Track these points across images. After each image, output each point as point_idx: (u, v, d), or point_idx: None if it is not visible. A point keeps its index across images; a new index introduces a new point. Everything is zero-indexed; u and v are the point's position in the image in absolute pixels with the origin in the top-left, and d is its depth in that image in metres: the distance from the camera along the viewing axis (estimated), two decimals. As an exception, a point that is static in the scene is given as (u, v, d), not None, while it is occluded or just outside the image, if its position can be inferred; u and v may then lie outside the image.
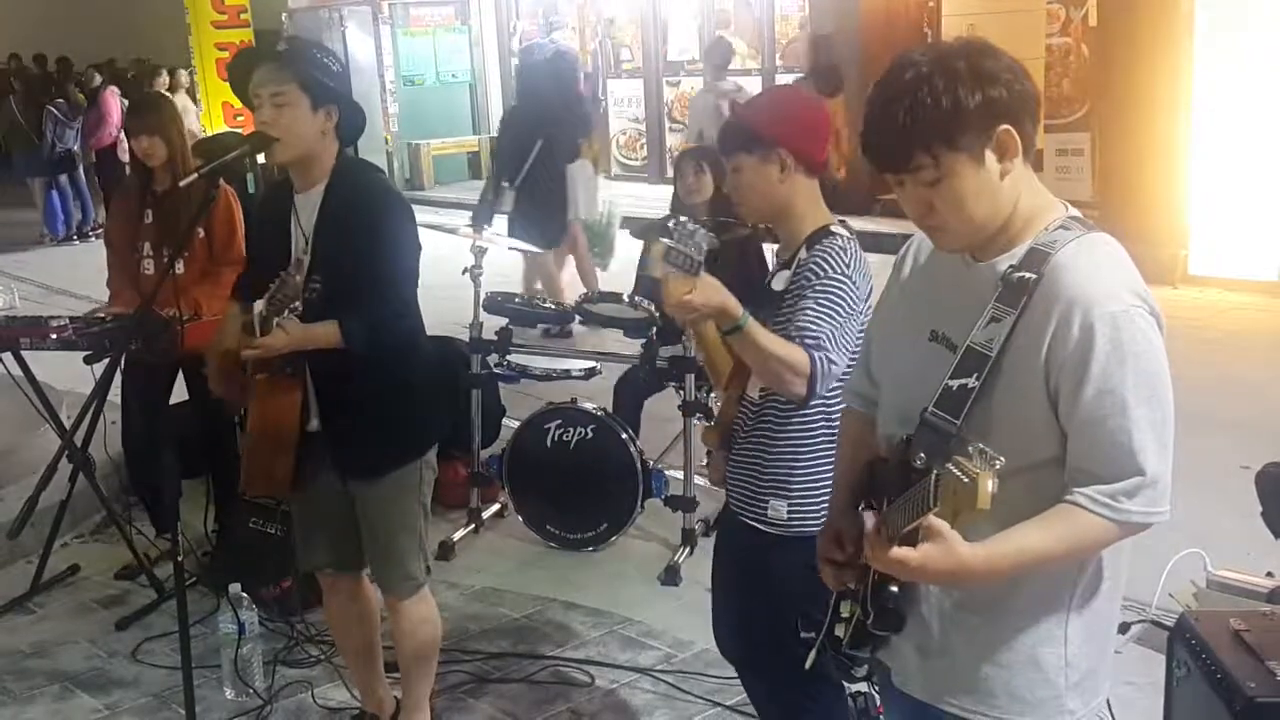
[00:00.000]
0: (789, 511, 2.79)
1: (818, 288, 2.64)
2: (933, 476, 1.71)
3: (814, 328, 2.58)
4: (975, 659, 1.98)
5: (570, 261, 8.51)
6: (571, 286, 8.18)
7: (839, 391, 2.57)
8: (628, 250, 8.84)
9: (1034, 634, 1.95)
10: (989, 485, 1.62)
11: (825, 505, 2.71)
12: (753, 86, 11.34)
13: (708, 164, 5.06)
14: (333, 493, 3.30)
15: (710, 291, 2.47)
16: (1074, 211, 1.94)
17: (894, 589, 1.96)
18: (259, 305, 3.03)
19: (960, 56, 1.84)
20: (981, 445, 1.66)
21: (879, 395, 2.15)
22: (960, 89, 1.80)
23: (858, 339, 2.59)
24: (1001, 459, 1.63)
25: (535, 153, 7.90)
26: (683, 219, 2.51)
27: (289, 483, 3.27)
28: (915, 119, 1.81)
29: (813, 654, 2.16)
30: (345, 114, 3.14)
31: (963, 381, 1.87)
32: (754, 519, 2.86)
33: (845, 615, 2.07)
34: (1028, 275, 1.85)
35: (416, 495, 3.33)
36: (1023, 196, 1.90)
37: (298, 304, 3.02)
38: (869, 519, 1.89)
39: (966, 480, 1.63)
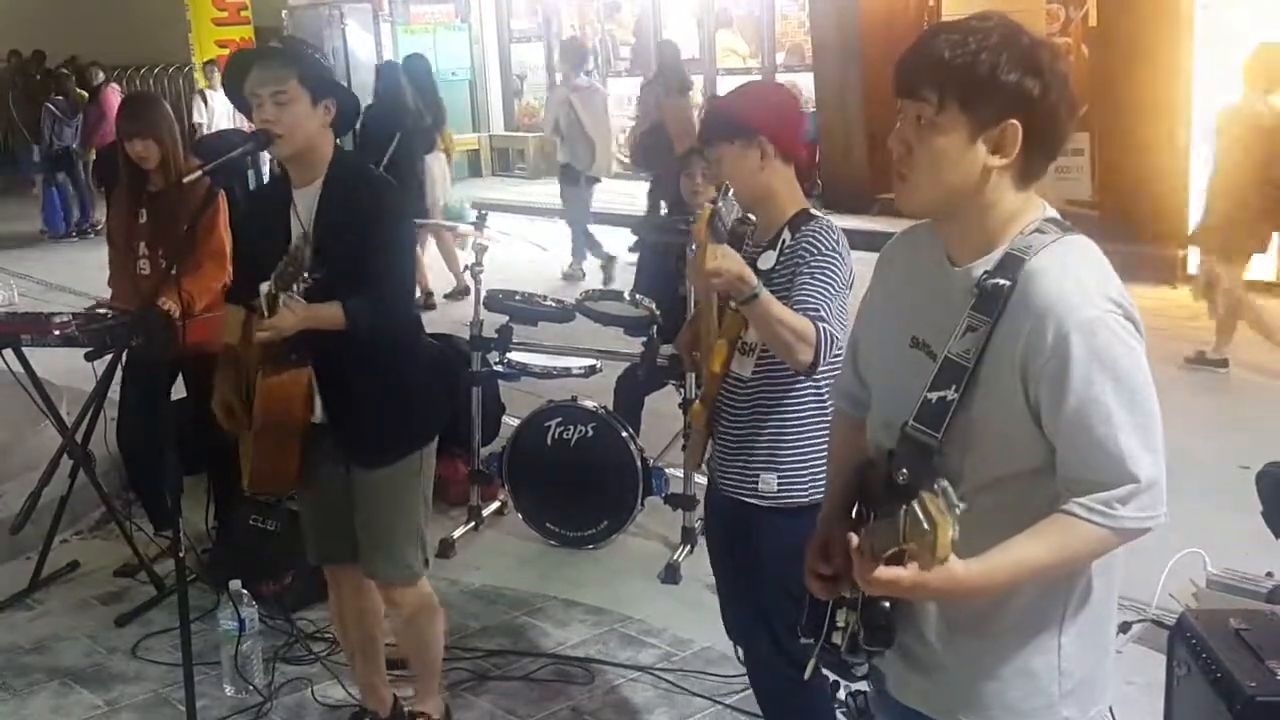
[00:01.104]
0: (779, 484, 2.86)
1: (812, 264, 2.75)
2: (902, 512, 1.68)
3: (813, 300, 2.69)
4: (969, 672, 1.96)
5: (431, 243, 9.45)
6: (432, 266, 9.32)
7: (827, 370, 2.67)
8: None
9: (1027, 645, 1.93)
10: (949, 535, 1.61)
11: (813, 477, 2.79)
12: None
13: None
14: (338, 485, 3.32)
15: (731, 261, 2.57)
16: (1051, 213, 1.91)
17: (886, 605, 1.93)
18: (265, 286, 3.03)
19: (1027, 36, 1.83)
20: (946, 484, 1.63)
21: (867, 397, 2.13)
22: (1005, 59, 1.79)
23: (844, 322, 2.68)
24: (962, 505, 1.61)
25: (394, 146, 8.85)
26: (729, 187, 2.69)
27: (296, 477, 3.29)
28: (951, 57, 1.80)
29: (811, 662, 2.13)
30: (341, 106, 3.18)
31: (941, 394, 1.84)
32: (745, 494, 2.92)
33: (841, 625, 2.03)
34: (1002, 283, 1.82)
35: (417, 485, 3.36)
36: (1007, 200, 1.87)
37: (305, 275, 3.04)
38: (852, 539, 1.85)
39: (927, 528, 1.62)
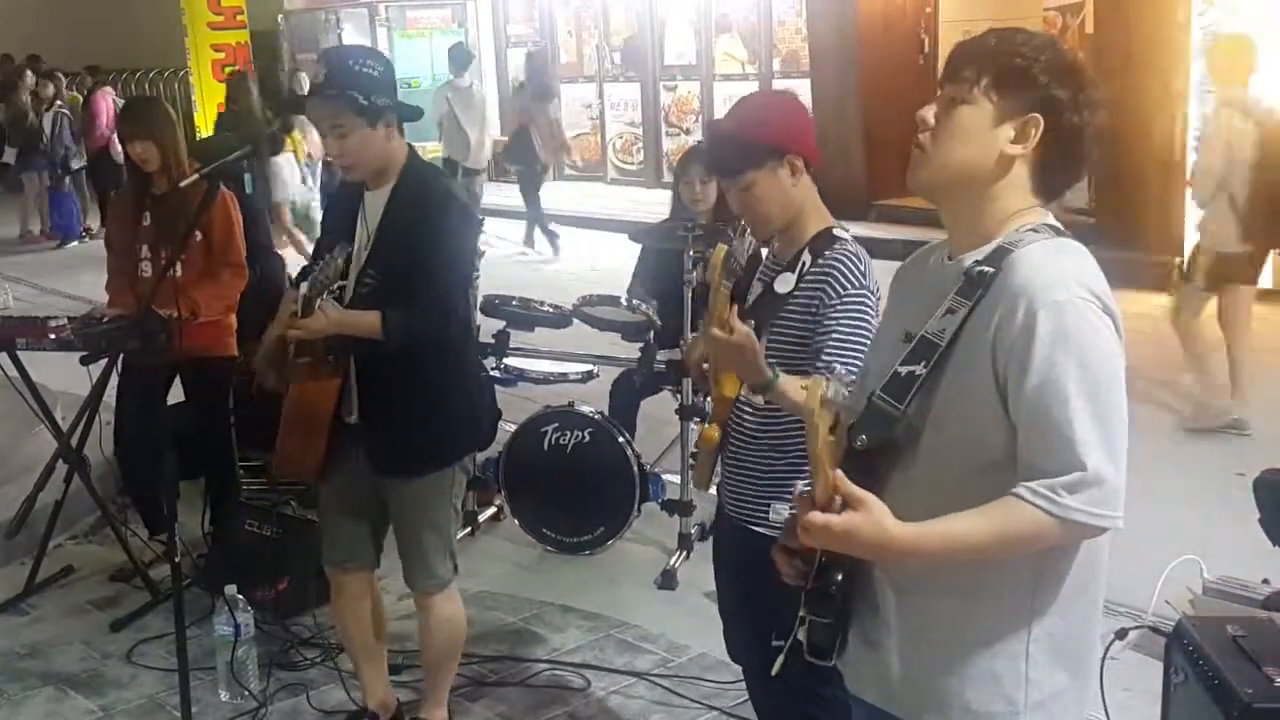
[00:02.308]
0: (791, 514, 2.76)
1: (842, 307, 2.61)
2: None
3: (847, 355, 2.53)
4: (931, 670, 1.94)
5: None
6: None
7: None
8: (627, 254, 9.07)
9: (991, 648, 1.90)
10: (820, 389, 1.73)
11: None
12: (745, 89, 11.67)
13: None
14: (364, 488, 3.34)
15: (746, 351, 2.43)
16: (1052, 221, 1.93)
17: (839, 576, 1.92)
18: (303, 288, 3.08)
19: (1074, 57, 1.93)
20: (829, 372, 1.79)
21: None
22: (1046, 60, 1.86)
23: None
24: (841, 367, 1.83)
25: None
26: (742, 225, 2.54)
27: (318, 470, 3.30)
28: (997, 44, 1.89)
29: (779, 659, 2.09)
30: (399, 112, 3.21)
31: (910, 369, 1.87)
32: (755, 523, 2.81)
33: (801, 614, 2.00)
34: (987, 269, 1.85)
35: (449, 497, 3.38)
36: (1011, 197, 1.90)
37: (338, 285, 3.10)
38: (798, 485, 1.87)
39: (804, 385, 1.73)
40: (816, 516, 1.77)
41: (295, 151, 10.83)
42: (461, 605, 3.55)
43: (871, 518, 1.77)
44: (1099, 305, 1.81)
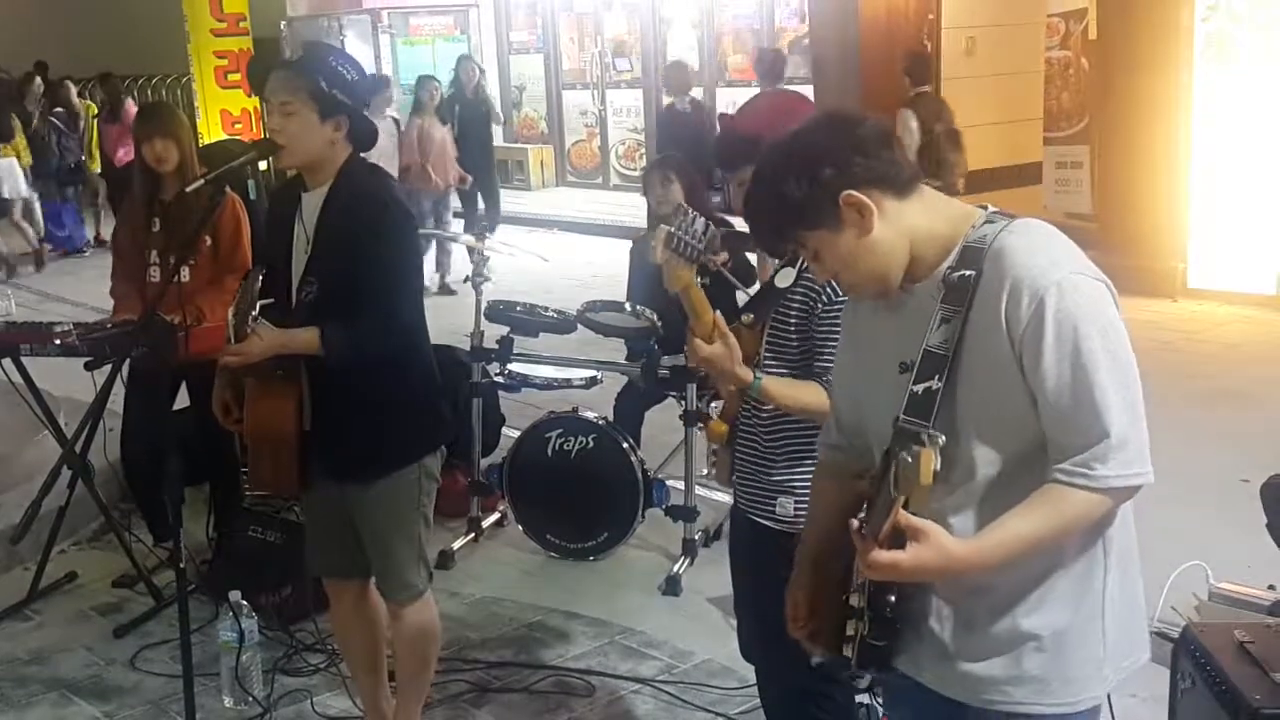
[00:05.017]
0: (795, 508, 2.81)
1: (836, 313, 2.64)
2: (891, 471, 1.77)
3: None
4: (1022, 652, 1.96)
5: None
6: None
7: None
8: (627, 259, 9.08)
9: (1078, 615, 1.95)
10: (932, 461, 1.71)
11: None
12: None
13: (673, 173, 5.08)
14: (332, 497, 3.29)
15: (721, 358, 2.59)
16: (994, 208, 1.98)
17: (891, 598, 1.95)
18: (229, 313, 3.05)
19: (796, 139, 1.98)
20: (930, 429, 1.75)
21: (846, 442, 2.20)
22: (792, 180, 1.92)
23: None
24: (944, 437, 1.77)
25: None
26: (687, 207, 2.62)
27: (297, 483, 3.26)
28: (770, 217, 1.99)
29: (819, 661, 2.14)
30: (356, 123, 3.15)
31: (926, 385, 1.89)
32: (763, 516, 2.87)
33: (850, 634, 2.05)
34: (968, 273, 1.88)
35: (415, 504, 3.30)
36: (919, 220, 1.94)
37: (255, 312, 3.06)
38: (853, 523, 1.91)
39: (910, 460, 1.70)
40: (882, 555, 1.82)
41: (18, 154, 12.68)
42: (436, 615, 3.49)
43: (935, 546, 1.82)
44: (1091, 275, 1.87)
